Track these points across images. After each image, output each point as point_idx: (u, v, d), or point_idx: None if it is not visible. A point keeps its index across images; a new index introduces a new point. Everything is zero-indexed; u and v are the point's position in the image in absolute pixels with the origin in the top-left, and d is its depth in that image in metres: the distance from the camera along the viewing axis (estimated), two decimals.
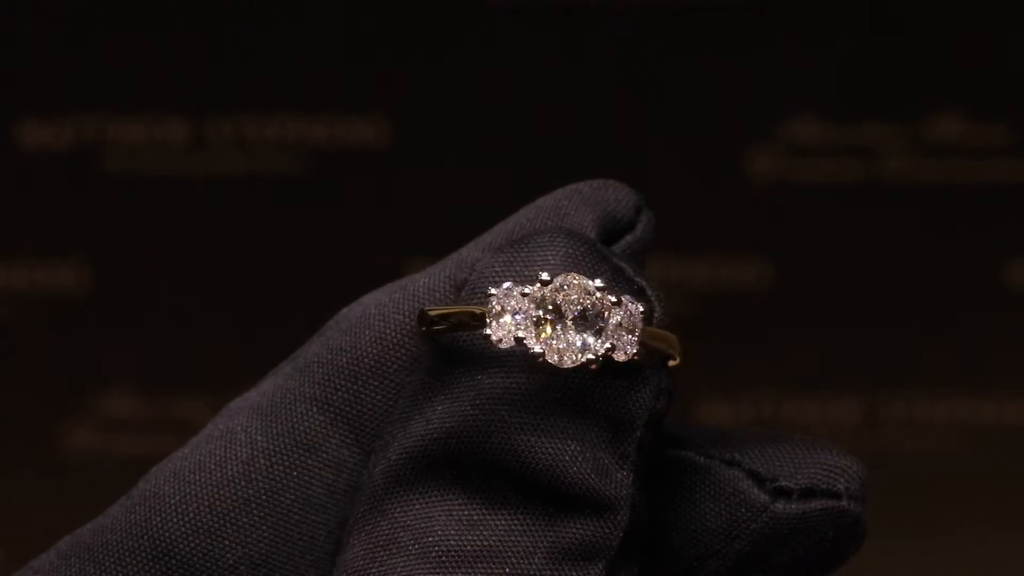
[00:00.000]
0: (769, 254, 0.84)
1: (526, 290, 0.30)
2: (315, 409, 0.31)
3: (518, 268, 0.31)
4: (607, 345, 0.30)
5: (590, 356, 0.30)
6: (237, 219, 0.84)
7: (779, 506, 0.31)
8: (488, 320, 0.30)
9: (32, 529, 0.74)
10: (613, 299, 0.30)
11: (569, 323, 0.30)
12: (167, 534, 0.31)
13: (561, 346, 0.30)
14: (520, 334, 0.30)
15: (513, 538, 0.29)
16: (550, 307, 0.30)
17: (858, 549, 0.32)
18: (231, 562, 0.30)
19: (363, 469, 0.31)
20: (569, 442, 0.30)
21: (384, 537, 0.30)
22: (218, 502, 0.31)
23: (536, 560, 0.29)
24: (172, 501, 0.31)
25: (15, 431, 0.85)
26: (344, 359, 0.31)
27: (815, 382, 0.85)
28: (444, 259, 0.32)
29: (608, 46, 0.84)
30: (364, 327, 0.32)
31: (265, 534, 0.30)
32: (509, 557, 0.29)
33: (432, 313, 0.30)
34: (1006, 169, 0.84)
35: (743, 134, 0.84)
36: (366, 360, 0.31)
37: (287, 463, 0.31)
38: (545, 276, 0.30)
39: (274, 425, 0.31)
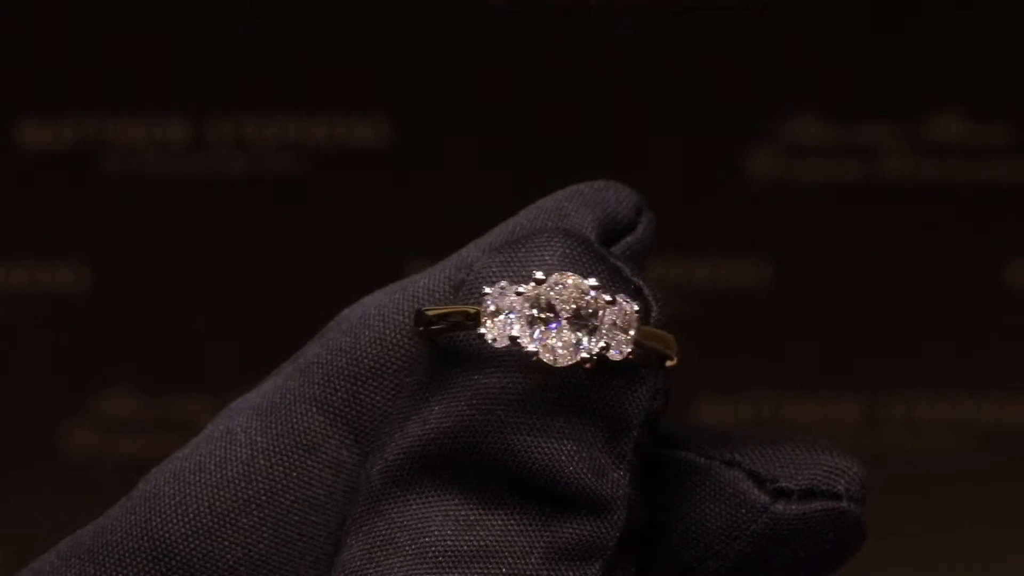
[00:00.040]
0: (769, 254, 0.84)
1: (520, 289, 0.30)
2: (315, 410, 0.31)
3: (515, 268, 0.31)
4: (601, 344, 0.30)
5: (584, 355, 0.30)
6: (237, 219, 0.84)
7: (779, 507, 0.31)
8: (483, 319, 0.30)
9: (32, 529, 0.74)
10: (608, 298, 0.30)
11: (563, 322, 0.30)
12: (167, 535, 0.31)
13: (555, 345, 0.30)
14: (514, 333, 0.30)
15: (510, 538, 0.29)
16: (544, 306, 0.30)
17: (858, 550, 0.32)
18: (231, 563, 0.30)
19: (362, 470, 0.31)
20: (565, 442, 0.30)
21: (381, 537, 0.30)
22: (218, 503, 0.31)
23: (533, 560, 0.29)
24: (172, 502, 0.31)
25: (15, 431, 0.85)
26: (344, 360, 0.31)
27: (815, 382, 0.85)
28: (444, 260, 0.32)
29: (608, 46, 0.84)
30: (364, 328, 0.32)
31: (265, 535, 0.30)
32: (506, 557, 0.29)
33: (428, 313, 0.30)
34: (1006, 169, 0.84)
35: (743, 134, 0.84)
36: (366, 361, 0.31)
37: (287, 464, 0.31)
38: (539, 275, 0.30)
39: (274, 426, 0.31)
